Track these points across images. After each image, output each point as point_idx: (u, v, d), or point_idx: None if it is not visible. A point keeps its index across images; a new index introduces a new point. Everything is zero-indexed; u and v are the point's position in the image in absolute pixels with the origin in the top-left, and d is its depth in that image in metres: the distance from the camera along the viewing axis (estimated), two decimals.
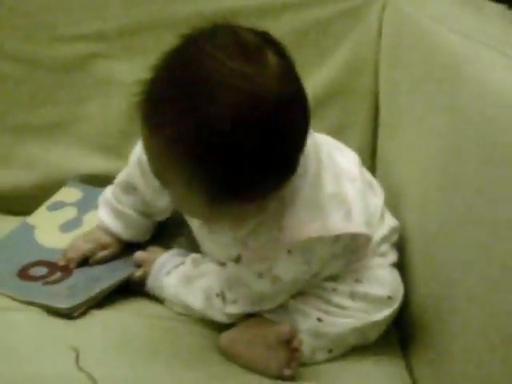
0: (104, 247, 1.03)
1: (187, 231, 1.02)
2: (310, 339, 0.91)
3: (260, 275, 0.89)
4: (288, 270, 0.87)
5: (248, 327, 0.92)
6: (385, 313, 0.93)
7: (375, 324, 0.93)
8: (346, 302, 0.92)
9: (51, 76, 1.17)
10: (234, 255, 0.92)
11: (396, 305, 0.94)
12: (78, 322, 0.91)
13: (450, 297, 0.87)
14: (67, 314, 0.93)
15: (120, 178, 1.05)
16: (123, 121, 1.18)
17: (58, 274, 1.02)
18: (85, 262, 1.03)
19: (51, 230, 1.12)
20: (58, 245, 1.07)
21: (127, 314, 0.94)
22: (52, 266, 1.03)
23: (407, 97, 1.06)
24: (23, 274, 1.02)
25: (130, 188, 1.03)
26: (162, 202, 1.01)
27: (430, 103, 0.98)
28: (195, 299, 0.94)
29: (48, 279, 1.01)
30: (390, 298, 0.93)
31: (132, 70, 1.14)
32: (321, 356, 0.92)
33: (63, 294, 0.96)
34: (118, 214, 1.04)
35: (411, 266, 0.97)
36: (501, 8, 1.04)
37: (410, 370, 0.95)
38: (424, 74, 1.01)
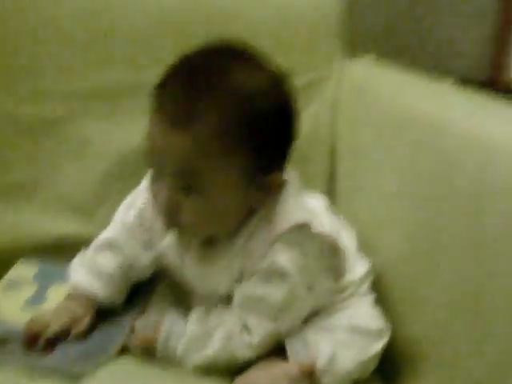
0: (78, 320, 0.98)
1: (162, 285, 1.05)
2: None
3: (267, 279, 0.92)
4: (289, 260, 0.92)
5: (265, 366, 0.92)
6: (380, 344, 0.97)
7: (374, 356, 0.97)
8: (348, 336, 0.96)
9: (24, 135, 1.17)
10: (223, 291, 0.96)
11: (387, 337, 0.98)
12: None
13: (434, 336, 0.95)
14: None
15: (101, 238, 1.05)
16: (98, 183, 1.19)
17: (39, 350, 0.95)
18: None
19: (14, 307, 1.06)
20: (22, 320, 1.01)
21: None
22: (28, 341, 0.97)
23: (367, 158, 1.14)
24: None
25: (112, 247, 1.03)
26: (146, 259, 1.02)
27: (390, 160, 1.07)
28: (217, 349, 0.93)
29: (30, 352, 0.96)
30: (382, 330, 0.98)
31: (109, 132, 1.18)
32: None
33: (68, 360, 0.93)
34: (97, 273, 1.02)
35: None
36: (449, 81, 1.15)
37: None
38: (382, 135, 1.10)
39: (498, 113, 0.93)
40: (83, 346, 0.97)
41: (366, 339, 0.97)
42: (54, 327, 0.96)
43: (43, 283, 1.12)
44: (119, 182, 1.16)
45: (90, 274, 1.02)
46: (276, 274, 0.92)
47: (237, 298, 0.95)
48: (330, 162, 1.23)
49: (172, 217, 0.91)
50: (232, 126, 0.87)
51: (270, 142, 0.90)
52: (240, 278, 0.94)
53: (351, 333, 0.96)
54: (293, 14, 1.23)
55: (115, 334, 1.00)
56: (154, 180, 0.93)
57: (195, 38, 1.08)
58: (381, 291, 1.03)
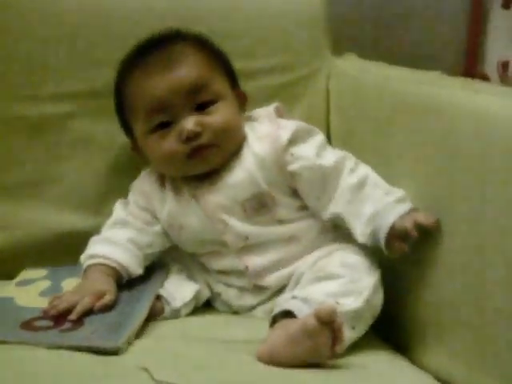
0: (101, 294, 1.03)
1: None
2: None
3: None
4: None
5: (282, 325, 0.95)
6: (375, 276, 1.02)
7: (376, 288, 1.01)
8: (341, 271, 1.00)
9: (28, 135, 1.21)
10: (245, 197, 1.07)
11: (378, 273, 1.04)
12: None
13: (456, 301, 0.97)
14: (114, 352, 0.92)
15: (108, 222, 1.14)
16: (100, 180, 1.23)
17: (69, 325, 0.99)
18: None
19: (31, 296, 1.10)
20: (45, 305, 1.05)
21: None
22: (56, 318, 1.01)
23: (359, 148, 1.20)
24: (28, 326, 1.00)
25: (120, 224, 1.12)
26: (152, 233, 1.12)
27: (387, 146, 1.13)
28: None
29: (60, 328, 0.99)
30: (372, 265, 1.04)
31: (109, 131, 1.21)
32: (347, 333, 0.95)
33: (100, 335, 0.96)
34: (112, 243, 1.10)
35: None
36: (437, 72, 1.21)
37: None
38: (377, 122, 1.17)
39: (487, 88, 1.02)
40: (110, 319, 1.00)
41: (358, 274, 1.01)
42: (80, 303, 1.01)
43: (56, 280, 1.15)
44: (124, 178, 1.20)
45: (105, 244, 1.10)
46: (309, 133, 1.11)
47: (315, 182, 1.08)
48: None
49: (195, 141, 1.07)
50: (211, 54, 1.12)
51: (228, 66, 1.15)
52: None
53: (341, 267, 1.01)
54: (284, 12, 1.31)
55: (139, 306, 1.03)
56: (163, 138, 1.08)
57: None
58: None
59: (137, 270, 1.10)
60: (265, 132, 1.11)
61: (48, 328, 0.99)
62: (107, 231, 1.13)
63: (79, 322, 1.00)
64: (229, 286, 1.12)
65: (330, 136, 1.28)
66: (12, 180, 1.22)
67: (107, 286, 1.05)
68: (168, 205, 1.11)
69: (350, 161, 1.08)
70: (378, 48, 1.60)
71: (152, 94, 1.07)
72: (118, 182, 1.23)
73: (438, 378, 0.97)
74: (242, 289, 1.10)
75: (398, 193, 1.04)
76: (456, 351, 0.97)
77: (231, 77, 1.15)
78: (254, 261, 1.08)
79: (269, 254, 1.08)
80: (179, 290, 1.08)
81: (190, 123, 1.06)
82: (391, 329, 1.07)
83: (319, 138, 1.11)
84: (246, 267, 1.08)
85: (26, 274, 1.18)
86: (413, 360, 1.02)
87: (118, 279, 1.08)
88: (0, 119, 1.20)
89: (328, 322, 0.90)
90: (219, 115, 1.08)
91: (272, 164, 1.08)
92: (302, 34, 1.31)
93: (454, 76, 1.18)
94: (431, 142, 1.03)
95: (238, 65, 1.18)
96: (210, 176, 1.10)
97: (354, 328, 0.97)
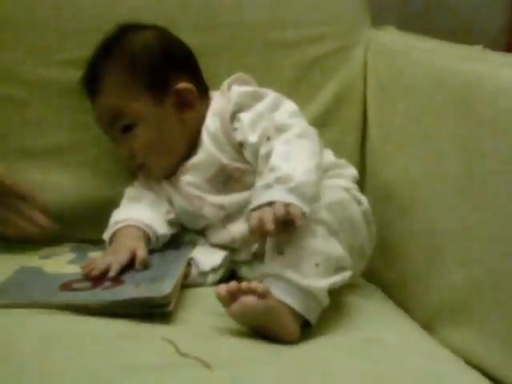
0: (135, 251, 1.03)
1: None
2: None
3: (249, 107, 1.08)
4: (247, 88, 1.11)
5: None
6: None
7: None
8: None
9: (58, 100, 1.20)
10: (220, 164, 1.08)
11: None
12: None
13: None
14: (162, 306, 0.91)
15: (122, 202, 1.15)
16: None
17: (108, 283, 0.98)
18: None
19: (60, 265, 1.08)
20: (77, 271, 1.04)
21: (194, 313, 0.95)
22: (95, 279, 0.99)
23: (397, 121, 1.18)
24: (67, 287, 0.98)
25: (135, 198, 1.14)
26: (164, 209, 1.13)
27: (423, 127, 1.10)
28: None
29: (102, 287, 0.97)
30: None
31: None
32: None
33: (145, 287, 0.94)
34: (133, 208, 1.12)
35: None
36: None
37: None
38: (414, 98, 1.13)
39: None
40: (149, 274, 0.99)
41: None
42: (115, 260, 1.01)
43: (81, 252, 1.14)
44: None
45: (126, 210, 1.12)
46: (254, 97, 1.09)
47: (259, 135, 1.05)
48: (362, 124, 1.28)
49: (132, 160, 1.13)
50: (125, 74, 1.11)
51: (151, 64, 1.12)
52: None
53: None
54: None
55: (175, 264, 1.03)
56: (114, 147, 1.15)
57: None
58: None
59: (161, 228, 1.10)
60: (215, 107, 1.12)
61: (88, 289, 0.97)
62: (125, 205, 1.14)
63: (118, 281, 0.99)
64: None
65: (366, 110, 1.26)
66: (41, 147, 1.21)
67: (137, 243, 1.05)
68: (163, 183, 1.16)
69: (272, 129, 1.04)
70: (418, 21, 1.56)
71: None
72: None
73: (466, 358, 0.94)
74: (247, 261, 1.10)
75: (280, 171, 0.97)
76: (487, 332, 0.95)
77: (158, 83, 1.12)
78: (240, 228, 1.08)
79: None
80: (208, 255, 1.09)
81: (120, 149, 1.14)
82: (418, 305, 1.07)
83: (263, 102, 1.09)
84: (233, 238, 1.09)
85: (48, 250, 1.16)
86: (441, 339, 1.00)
87: (145, 239, 1.08)
88: (32, 84, 1.19)
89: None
90: (140, 139, 1.11)
91: (223, 138, 1.09)
92: (340, 5, 1.29)
93: (496, 51, 1.13)
94: (473, 118, 0.99)
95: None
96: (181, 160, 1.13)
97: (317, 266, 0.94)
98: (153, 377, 0.77)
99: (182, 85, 1.11)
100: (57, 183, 1.20)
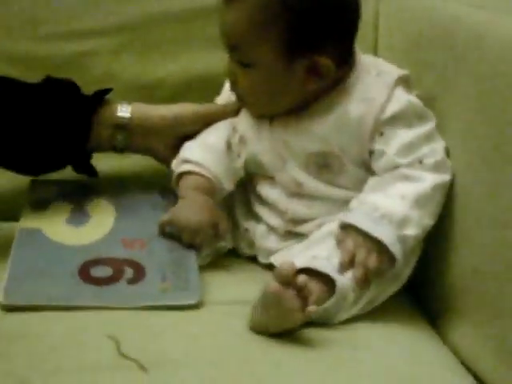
0: (216, 227, 1.01)
1: None
2: None
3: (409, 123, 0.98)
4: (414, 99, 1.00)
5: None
6: None
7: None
8: None
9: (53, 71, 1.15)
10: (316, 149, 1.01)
11: None
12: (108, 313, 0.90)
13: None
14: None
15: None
16: None
17: (130, 273, 0.96)
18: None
19: (60, 227, 1.05)
20: (82, 241, 1.01)
21: None
22: (112, 263, 0.97)
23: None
24: (88, 277, 0.94)
25: (210, 146, 1.07)
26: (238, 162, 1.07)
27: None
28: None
29: (126, 278, 0.95)
30: None
31: (129, 66, 1.19)
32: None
33: (171, 290, 0.93)
34: (208, 148, 1.06)
35: None
36: None
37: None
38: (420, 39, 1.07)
39: None
40: (167, 254, 0.99)
41: None
42: (200, 236, 1.00)
43: (75, 202, 1.10)
44: None
45: (200, 149, 1.07)
46: (418, 116, 0.99)
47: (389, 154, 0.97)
48: None
49: (233, 86, 1.04)
50: (270, 2, 0.95)
51: (308, 20, 0.95)
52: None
53: None
54: None
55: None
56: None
57: None
58: None
59: (229, 185, 1.07)
60: (371, 96, 0.99)
61: (110, 280, 0.94)
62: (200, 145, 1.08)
63: (139, 269, 0.97)
64: (259, 221, 1.07)
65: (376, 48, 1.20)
66: None
67: (216, 214, 1.02)
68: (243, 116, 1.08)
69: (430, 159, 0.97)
70: None
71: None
72: None
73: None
74: (271, 228, 1.06)
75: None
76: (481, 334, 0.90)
77: (299, 42, 0.97)
78: (298, 209, 1.04)
79: (315, 209, 1.03)
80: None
81: (228, 68, 1.04)
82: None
83: (425, 127, 0.98)
84: (286, 210, 1.04)
85: (35, 190, 1.12)
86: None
87: (212, 194, 1.05)
88: (21, 60, 1.18)
89: (289, 282, 0.85)
90: (248, 82, 1.01)
91: (356, 132, 0.99)
92: None
93: None
94: (485, 71, 0.92)
95: None
96: (295, 112, 1.02)
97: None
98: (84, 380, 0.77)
99: (324, 60, 0.97)
100: None
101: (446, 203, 0.97)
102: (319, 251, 0.95)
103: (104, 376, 0.77)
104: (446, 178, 0.97)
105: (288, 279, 0.85)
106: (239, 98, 1.05)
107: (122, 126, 1.06)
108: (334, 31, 0.97)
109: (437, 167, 0.97)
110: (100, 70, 1.20)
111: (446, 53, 1.01)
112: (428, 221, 0.96)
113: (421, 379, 0.85)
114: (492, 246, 0.89)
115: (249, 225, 1.08)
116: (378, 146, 0.98)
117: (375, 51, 1.20)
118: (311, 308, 0.86)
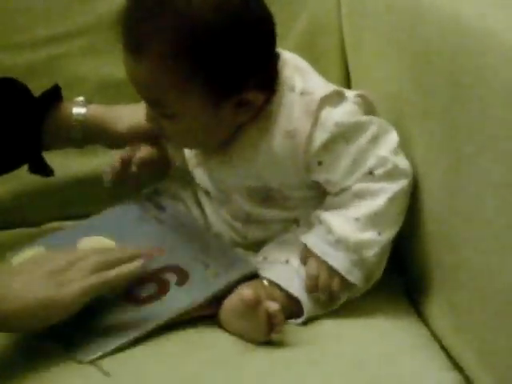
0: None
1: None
2: None
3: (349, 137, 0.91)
4: (345, 113, 0.93)
5: (231, 301, 0.90)
6: None
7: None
8: None
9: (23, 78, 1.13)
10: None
11: None
12: None
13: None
14: None
15: None
16: None
17: (172, 275, 0.93)
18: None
19: None
20: None
21: None
22: (151, 278, 0.93)
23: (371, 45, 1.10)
24: (139, 300, 0.91)
25: None
26: None
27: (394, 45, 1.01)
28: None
29: (173, 284, 0.93)
30: None
31: (97, 68, 1.18)
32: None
33: (223, 272, 0.93)
34: None
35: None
36: None
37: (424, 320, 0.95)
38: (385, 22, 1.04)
39: None
40: (189, 250, 0.97)
41: None
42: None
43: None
44: None
45: None
46: (350, 131, 0.92)
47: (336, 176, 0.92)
48: (342, 54, 1.21)
49: (158, 132, 0.96)
50: (180, 49, 0.86)
51: (228, 59, 0.87)
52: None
53: None
54: None
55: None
56: None
57: None
58: None
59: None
60: (294, 127, 0.92)
61: (161, 292, 0.92)
62: None
63: (177, 270, 0.94)
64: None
65: (343, 45, 1.20)
66: None
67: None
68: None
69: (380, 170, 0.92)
70: None
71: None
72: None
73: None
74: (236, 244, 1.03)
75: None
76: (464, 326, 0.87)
77: (225, 76, 0.89)
78: (256, 234, 1.00)
79: (271, 231, 1.00)
80: None
81: (147, 115, 0.97)
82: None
83: (366, 136, 0.92)
84: (246, 234, 1.01)
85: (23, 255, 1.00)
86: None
87: None
88: None
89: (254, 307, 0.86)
90: (174, 130, 0.94)
91: (290, 168, 0.94)
92: None
93: None
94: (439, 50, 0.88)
95: None
96: (226, 149, 0.96)
97: None
98: None
99: (251, 95, 0.90)
100: None
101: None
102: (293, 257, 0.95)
103: None
104: (402, 183, 0.92)
105: (252, 305, 0.86)
106: (167, 140, 1.00)
107: (78, 119, 1.03)
108: (254, 65, 0.90)
109: (389, 176, 0.92)
110: (68, 74, 1.18)
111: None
112: (389, 233, 0.93)
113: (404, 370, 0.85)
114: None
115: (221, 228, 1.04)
116: (320, 175, 0.94)
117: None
118: (273, 335, 0.87)
